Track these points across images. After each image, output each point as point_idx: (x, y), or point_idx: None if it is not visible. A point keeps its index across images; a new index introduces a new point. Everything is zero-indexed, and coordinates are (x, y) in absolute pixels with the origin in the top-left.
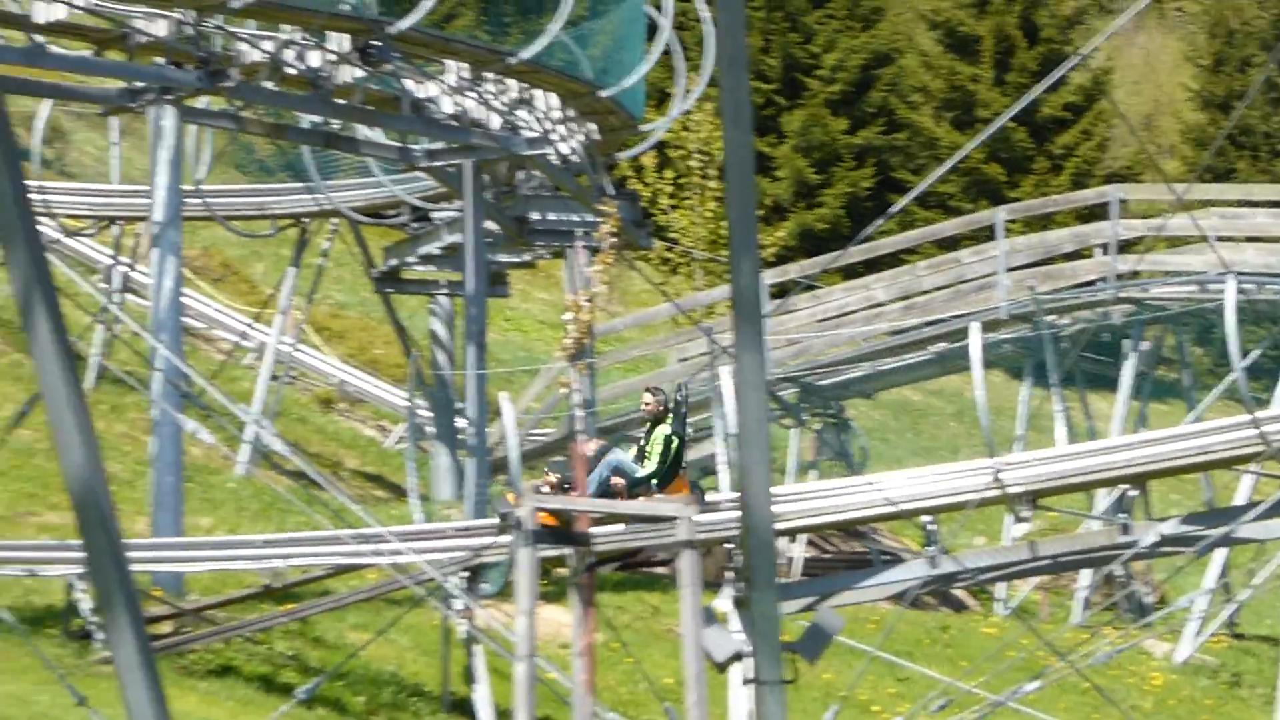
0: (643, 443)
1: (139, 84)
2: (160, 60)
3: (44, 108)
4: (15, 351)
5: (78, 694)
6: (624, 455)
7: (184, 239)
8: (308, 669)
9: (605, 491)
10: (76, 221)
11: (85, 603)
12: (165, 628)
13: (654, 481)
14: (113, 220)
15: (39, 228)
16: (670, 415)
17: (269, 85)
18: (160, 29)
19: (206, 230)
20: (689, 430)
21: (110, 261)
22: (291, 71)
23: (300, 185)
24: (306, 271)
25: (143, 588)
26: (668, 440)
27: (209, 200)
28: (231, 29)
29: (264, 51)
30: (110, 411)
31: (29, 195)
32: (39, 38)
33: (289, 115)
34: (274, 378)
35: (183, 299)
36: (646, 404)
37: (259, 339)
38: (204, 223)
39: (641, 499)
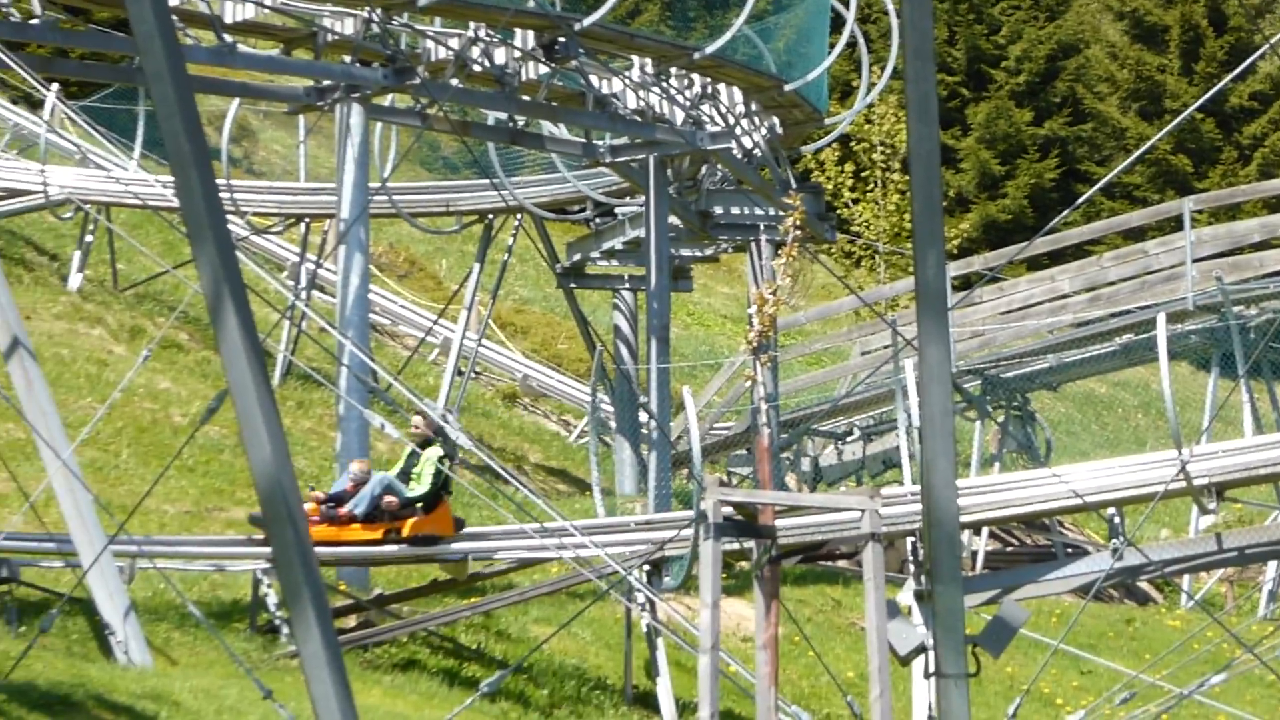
0: (411, 464)
1: (326, 82)
2: (347, 58)
3: (232, 107)
4: (203, 348)
5: (264, 687)
6: (391, 476)
7: (370, 236)
8: (491, 662)
9: (377, 508)
10: (264, 219)
11: (272, 597)
12: (350, 621)
13: (419, 505)
14: (300, 218)
15: (227, 226)
16: (438, 439)
17: (455, 82)
18: (348, 27)
19: (392, 227)
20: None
21: (297, 259)
22: (477, 68)
23: (485, 181)
24: (491, 267)
25: (328, 582)
26: (440, 463)
27: (395, 197)
28: (418, 27)
29: (450, 49)
30: (297, 407)
31: (218, 194)
32: (228, 37)
33: (474, 112)
34: (459, 373)
35: (369, 295)
36: (416, 427)
37: (444, 334)
38: (390, 219)
39: (411, 520)
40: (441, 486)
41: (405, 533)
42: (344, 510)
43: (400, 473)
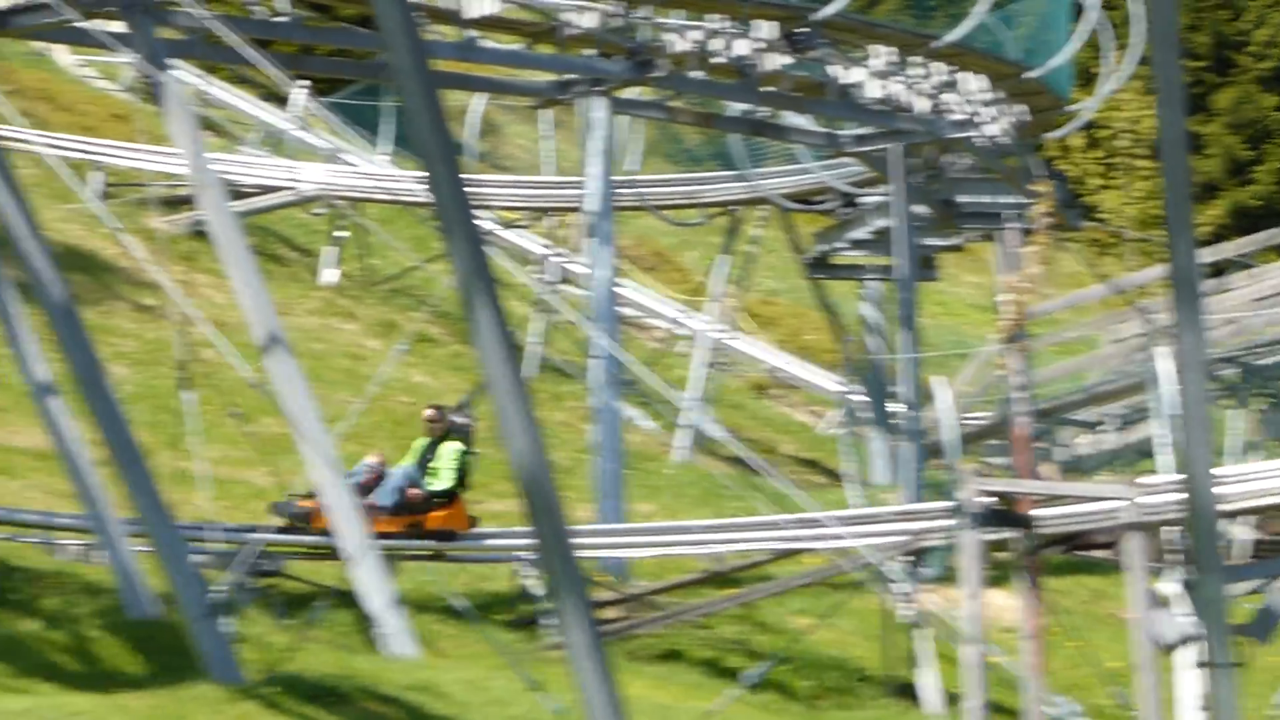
0: (427, 458)
1: (570, 76)
2: (590, 52)
3: (477, 102)
4: (456, 342)
5: (529, 679)
6: (414, 469)
7: (616, 229)
8: (752, 653)
9: (402, 501)
10: (511, 214)
11: (533, 589)
12: (612, 613)
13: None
14: (546, 212)
15: (476, 221)
16: (453, 433)
17: (697, 74)
18: (590, 21)
19: (638, 220)
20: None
21: (545, 252)
22: (719, 60)
23: (730, 173)
24: (737, 259)
25: (589, 574)
26: (461, 456)
27: (640, 190)
28: (659, 19)
29: (692, 41)
30: (550, 400)
31: (467, 188)
32: (471, 32)
33: (717, 104)
34: (708, 365)
35: (617, 288)
36: (434, 421)
37: (692, 326)
38: (635, 212)
39: (434, 514)
40: (459, 481)
41: (426, 526)
42: (370, 502)
43: (415, 466)
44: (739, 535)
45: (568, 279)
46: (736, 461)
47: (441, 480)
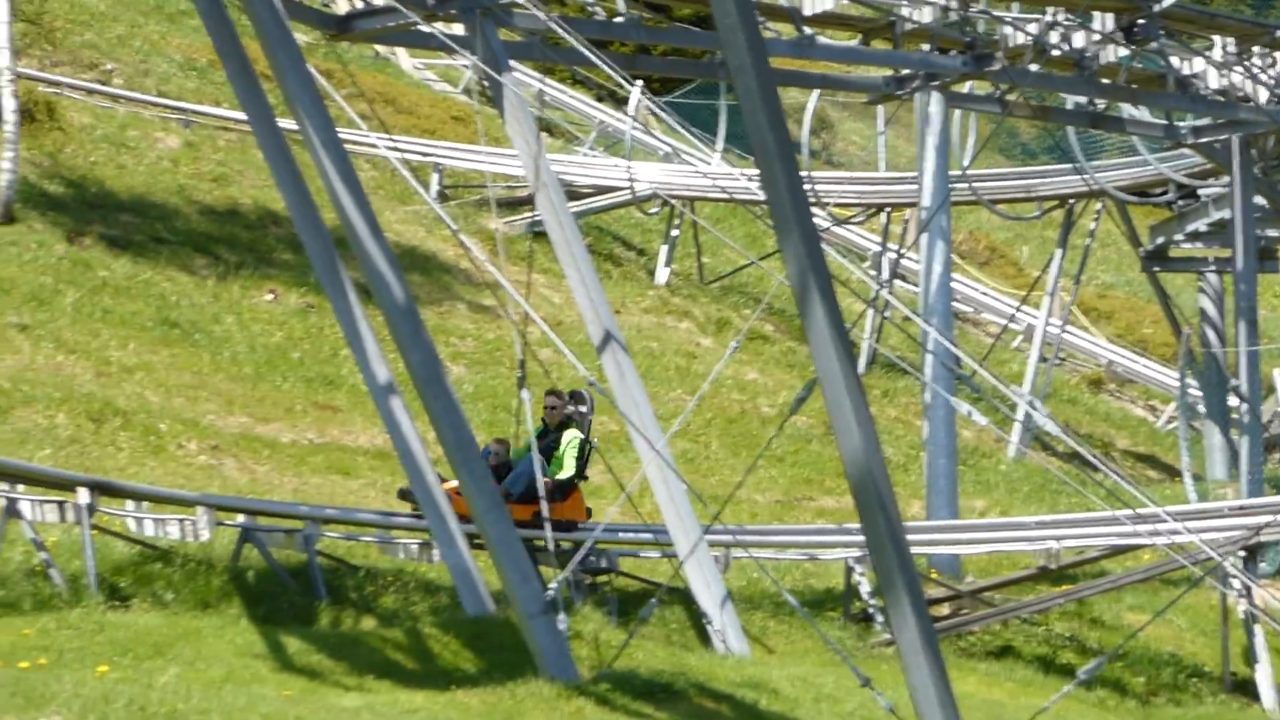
0: (551, 445)
1: (905, 71)
2: (925, 47)
3: (811, 99)
4: (788, 339)
5: (862, 675)
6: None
7: (951, 224)
8: (1085, 650)
9: (531, 488)
10: (845, 210)
11: (864, 586)
12: (943, 609)
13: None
14: (880, 207)
15: (811, 218)
16: (570, 422)
17: (1033, 68)
18: (925, 15)
19: (972, 214)
20: None
21: (879, 248)
22: (1056, 53)
23: (1066, 167)
24: (1072, 252)
25: (920, 570)
26: (582, 445)
27: (975, 184)
28: (995, 13)
29: (1028, 34)
30: (882, 396)
31: (802, 186)
32: (808, 29)
33: (1053, 97)
34: (1043, 359)
35: (951, 283)
36: (553, 408)
37: (1027, 321)
38: (969, 207)
39: (557, 504)
40: (579, 471)
41: (550, 516)
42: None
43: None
44: (1074, 531)
45: (901, 275)
46: (1072, 457)
47: (565, 470)
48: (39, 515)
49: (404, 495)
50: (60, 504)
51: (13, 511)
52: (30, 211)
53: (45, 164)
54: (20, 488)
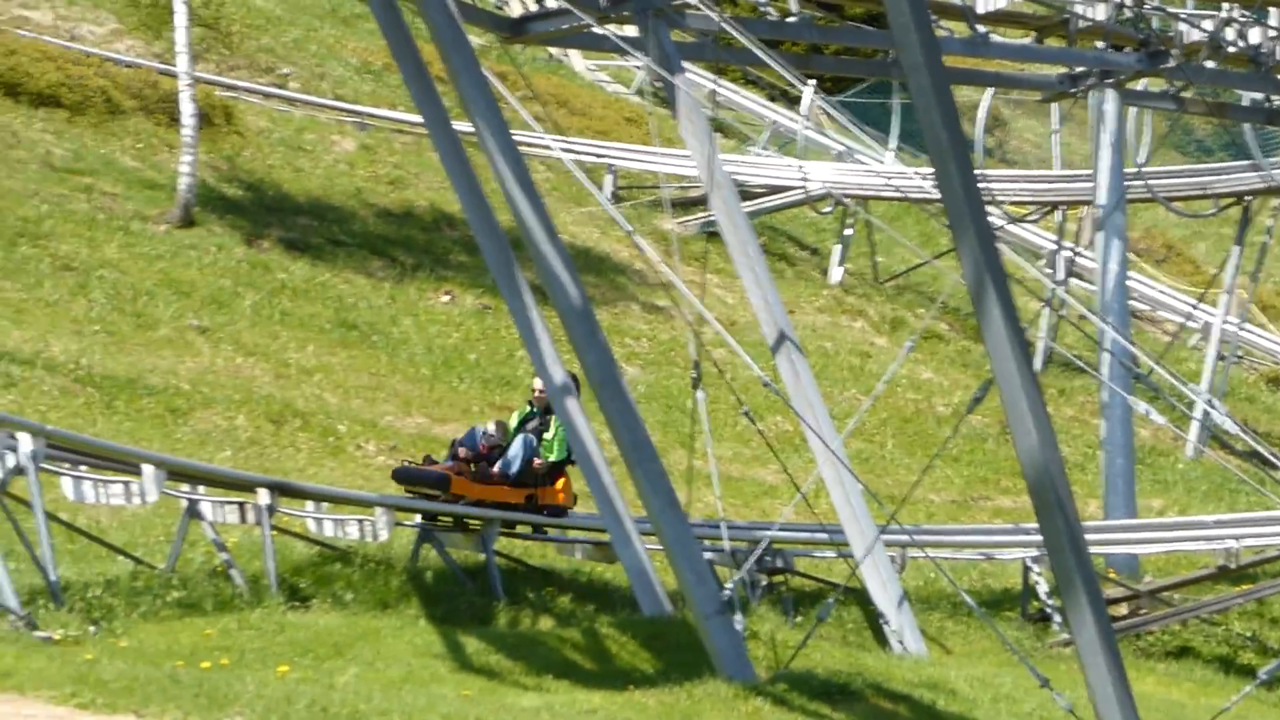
0: (541, 429)
1: (1079, 69)
2: (1100, 44)
3: (985, 97)
4: (963, 338)
5: (1040, 676)
6: (532, 440)
7: (1127, 221)
8: (1266, 650)
9: (525, 471)
10: (1020, 208)
11: (1042, 585)
12: (1121, 609)
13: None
14: (1055, 206)
15: (986, 216)
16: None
17: (1209, 64)
18: (1099, 13)
19: (1148, 212)
20: None
21: (1054, 246)
22: (1232, 49)
23: (1242, 163)
24: (1250, 250)
25: (1098, 570)
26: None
27: (1150, 182)
28: (1170, 9)
29: (1204, 30)
30: (1058, 395)
31: (977, 184)
32: (981, 28)
33: (1229, 93)
34: (1220, 357)
35: (1128, 281)
36: (540, 392)
37: (1204, 319)
38: (1145, 204)
39: (547, 487)
40: (568, 455)
41: (541, 500)
42: (496, 470)
43: (534, 438)
44: (1253, 530)
45: (1077, 273)
46: (1250, 455)
47: (555, 453)
48: (220, 516)
49: (398, 477)
50: (241, 505)
51: (194, 513)
52: (209, 215)
53: (223, 168)
54: (201, 489)
